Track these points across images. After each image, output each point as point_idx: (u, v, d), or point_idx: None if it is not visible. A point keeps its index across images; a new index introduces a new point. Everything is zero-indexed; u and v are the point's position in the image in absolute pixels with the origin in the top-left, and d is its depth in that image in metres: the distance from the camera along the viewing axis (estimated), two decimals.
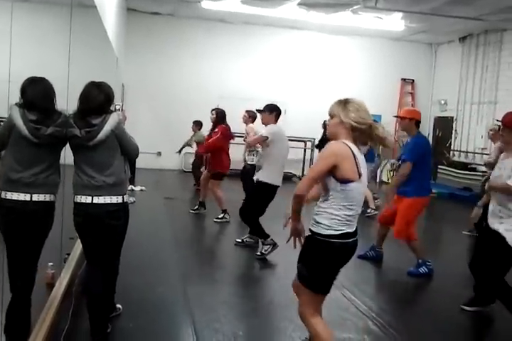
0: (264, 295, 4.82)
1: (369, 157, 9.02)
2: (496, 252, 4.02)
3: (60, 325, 3.45)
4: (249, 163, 7.74)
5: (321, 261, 2.85)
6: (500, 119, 4.21)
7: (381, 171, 9.96)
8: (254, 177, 6.02)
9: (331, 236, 2.80)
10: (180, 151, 11.11)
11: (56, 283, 3.91)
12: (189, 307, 4.16)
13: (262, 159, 6.09)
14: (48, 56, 3.99)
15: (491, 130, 7.60)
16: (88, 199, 3.24)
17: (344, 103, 2.92)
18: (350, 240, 2.87)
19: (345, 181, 2.77)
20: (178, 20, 13.36)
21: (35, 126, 3.01)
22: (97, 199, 3.24)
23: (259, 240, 5.99)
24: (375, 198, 9.59)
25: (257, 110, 6.40)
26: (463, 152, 13.25)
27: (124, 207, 3.43)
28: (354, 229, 2.89)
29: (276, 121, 6.06)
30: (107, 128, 3.21)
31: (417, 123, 5.53)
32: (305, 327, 3.05)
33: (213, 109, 8.05)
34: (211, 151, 7.86)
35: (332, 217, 2.81)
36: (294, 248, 3.00)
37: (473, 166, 12.14)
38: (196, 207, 8.31)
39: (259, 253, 5.86)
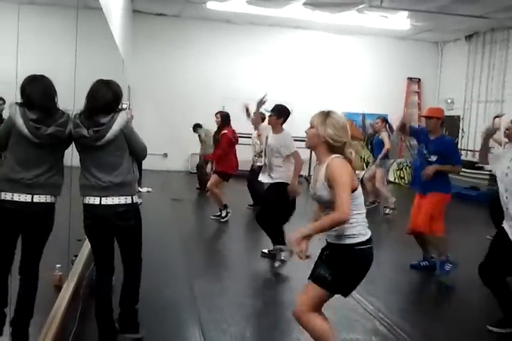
0: (272, 296, 4.81)
1: (377, 144, 8.95)
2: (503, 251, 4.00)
3: (68, 327, 3.45)
4: (258, 164, 7.76)
5: (355, 268, 2.90)
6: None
7: (388, 171, 9.92)
8: (268, 181, 5.69)
9: (363, 243, 2.88)
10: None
11: (64, 285, 3.91)
12: (196, 308, 4.16)
13: (277, 161, 5.67)
14: (54, 58, 4.00)
15: (507, 129, 7.35)
16: (96, 201, 3.19)
17: (325, 116, 2.94)
18: (372, 245, 2.95)
19: (354, 190, 2.85)
20: (184, 22, 13.37)
21: (36, 125, 2.95)
22: (105, 200, 3.19)
23: (276, 246, 5.63)
24: (375, 200, 9.61)
25: (266, 110, 6.18)
26: (470, 151, 13.19)
27: (134, 208, 3.34)
28: None
29: (283, 123, 5.83)
30: (116, 127, 3.13)
31: (442, 122, 5.55)
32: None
33: (217, 112, 8.08)
34: (224, 153, 7.80)
35: (355, 225, 2.86)
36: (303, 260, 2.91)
37: (480, 165, 12.07)
38: (218, 213, 7.90)
39: (279, 262, 5.55)
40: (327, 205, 2.91)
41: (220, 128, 7.92)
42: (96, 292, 3.45)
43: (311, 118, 3.02)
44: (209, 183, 7.82)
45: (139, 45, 12.73)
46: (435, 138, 5.47)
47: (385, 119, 9.24)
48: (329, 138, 2.87)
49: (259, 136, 7.49)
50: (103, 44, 6.28)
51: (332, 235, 2.90)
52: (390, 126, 9.21)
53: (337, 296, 3.01)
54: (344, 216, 2.73)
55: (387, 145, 8.80)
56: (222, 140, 7.73)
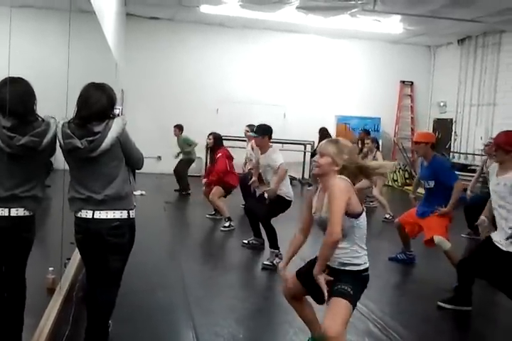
0: (265, 298, 4.81)
1: None
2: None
3: (61, 330, 3.44)
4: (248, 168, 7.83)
5: (362, 290, 3.01)
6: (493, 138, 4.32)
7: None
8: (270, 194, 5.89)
9: (367, 270, 3.01)
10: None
11: (57, 288, 3.90)
12: (189, 311, 4.16)
13: (270, 176, 5.95)
14: (46, 61, 3.98)
15: (486, 145, 7.38)
16: (89, 214, 2.95)
17: (336, 144, 3.00)
18: None
19: (357, 215, 2.88)
20: (177, 25, 13.39)
21: (9, 133, 2.66)
22: (99, 214, 2.95)
23: (270, 250, 5.77)
24: (370, 201, 9.80)
25: (251, 131, 6.35)
26: (462, 154, 13.26)
27: (129, 223, 3.09)
28: None
29: (269, 140, 6.01)
30: (112, 135, 2.86)
31: (432, 146, 5.57)
32: (307, 331, 3.05)
33: (210, 134, 8.15)
34: (223, 175, 7.77)
35: (363, 254, 2.97)
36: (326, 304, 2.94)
37: (473, 168, 12.12)
38: (213, 212, 8.15)
39: (269, 263, 5.63)
40: None
41: (213, 149, 8.07)
42: (88, 305, 3.22)
43: (321, 147, 3.04)
44: (211, 194, 7.76)
45: (133, 49, 12.73)
46: (428, 164, 5.49)
47: (375, 139, 9.59)
48: (348, 162, 2.94)
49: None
50: (96, 47, 6.28)
51: (337, 262, 2.94)
52: (377, 141, 9.66)
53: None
54: (334, 236, 2.75)
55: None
56: (218, 163, 7.76)
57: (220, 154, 7.85)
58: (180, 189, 10.55)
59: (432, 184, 5.41)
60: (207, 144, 8.36)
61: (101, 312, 3.16)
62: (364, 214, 2.96)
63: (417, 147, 5.56)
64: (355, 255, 2.91)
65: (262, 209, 5.94)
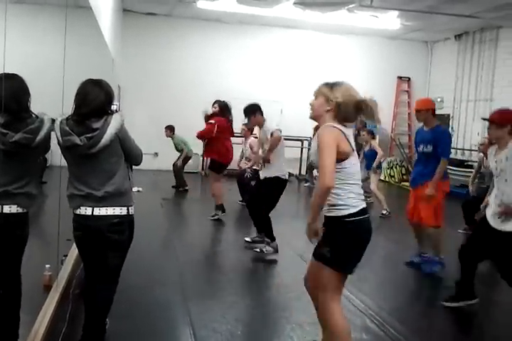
0: (263, 294, 4.82)
1: (369, 156, 9.16)
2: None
3: (58, 327, 3.44)
4: (242, 165, 7.82)
5: (350, 242, 2.86)
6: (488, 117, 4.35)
7: (378, 173, 10.05)
8: (262, 176, 5.93)
9: (353, 215, 2.85)
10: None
11: (53, 285, 3.89)
12: (187, 308, 4.16)
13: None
14: (42, 58, 3.95)
15: (481, 144, 7.27)
16: (88, 211, 2.96)
17: (332, 84, 2.99)
18: (367, 215, 2.93)
19: (344, 159, 2.85)
20: (174, 21, 13.35)
21: (2, 130, 2.64)
22: (98, 211, 2.96)
23: (265, 239, 5.94)
24: (367, 196, 9.77)
25: (248, 129, 6.27)
26: (459, 149, 13.26)
27: (129, 219, 3.10)
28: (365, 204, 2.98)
29: (262, 116, 6.04)
30: (111, 131, 2.87)
31: (433, 112, 5.46)
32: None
33: (215, 102, 7.64)
34: (202, 138, 7.61)
35: (346, 196, 2.85)
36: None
37: (470, 163, 12.15)
38: (213, 213, 7.75)
39: (258, 250, 5.87)
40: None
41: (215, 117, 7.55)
42: (86, 302, 3.22)
43: (315, 89, 3.04)
44: (211, 183, 7.76)
45: (129, 45, 12.69)
46: (429, 129, 5.42)
47: (370, 131, 9.59)
48: (342, 98, 2.90)
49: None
50: (93, 43, 6.25)
51: (326, 206, 2.88)
52: (373, 133, 9.71)
53: None
54: (324, 185, 2.72)
55: (380, 152, 9.08)
56: (205, 128, 7.53)
57: (213, 121, 7.39)
58: (177, 185, 10.54)
59: (430, 148, 5.33)
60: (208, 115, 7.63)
61: (99, 309, 3.17)
62: (352, 159, 2.90)
63: (418, 114, 5.43)
64: (339, 197, 2.84)
65: (261, 196, 5.87)
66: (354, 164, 2.93)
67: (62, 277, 4.18)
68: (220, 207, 7.66)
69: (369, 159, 9.19)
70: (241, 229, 6.84)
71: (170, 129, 10.84)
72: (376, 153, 9.12)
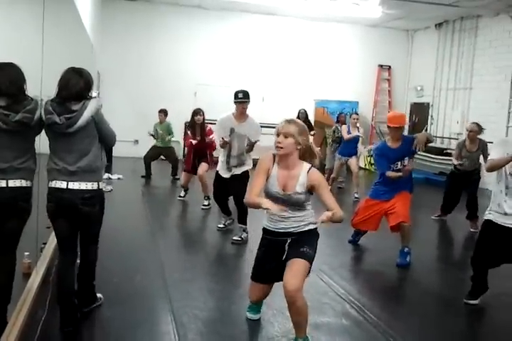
0: (243, 281, 4.83)
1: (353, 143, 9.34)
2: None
3: (38, 315, 3.43)
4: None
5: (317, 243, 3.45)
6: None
7: (358, 157, 10.21)
8: (242, 170, 6.03)
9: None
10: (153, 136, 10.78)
11: (33, 272, 3.87)
12: (168, 294, 4.17)
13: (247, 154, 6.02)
14: (21, 43, 3.89)
15: (471, 131, 7.15)
16: (63, 185, 3.27)
17: (296, 124, 3.29)
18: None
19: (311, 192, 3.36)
20: (155, 7, 13.19)
21: (4, 112, 2.98)
22: (72, 185, 3.27)
23: (240, 226, 6.00)
24: (341, 181, 10.38)
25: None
26: (439, 137, 13.39)
27: (99, 193, 3.45)
28: None
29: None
30: (87, 114, 3.22)
31: None
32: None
33: (199, 110, 7.93)
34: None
35: (313, 214, 3.44)
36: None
37: (449, 151, 12.29)
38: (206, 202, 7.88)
39: (239, 238, 5.89)
40: (296, 205, 3.31)
41: (202, 125, 7.91)
42: (58, 278, 3.50)
43: (284, 128, 3.26)
44: (201, 170, 7.81)
45: (110, 31, 12.53)
46: (400, 143, 5.41)
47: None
48: (306, 144, 3.31)
49: None
50: (71, 29, 6.15)
51: (298, 225, 3.37)
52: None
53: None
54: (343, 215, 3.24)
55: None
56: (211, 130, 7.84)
57: (209, 128, 7.91)
58: (146, 174, 10.36)
59: (406, 161, 5.43)
60: (190, 122, 8.08)
61: (89, 264, 3.64)
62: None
63: (397, 130, 5.41)
64: (311, 218, 3.40)
65: (241, 188, 5.77)
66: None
67: (42, 265, 4.16)
68: (186, 190, 8.23)
69: (354, 144, 9.50)
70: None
71: (164, 113, 10.50)
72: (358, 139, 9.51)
